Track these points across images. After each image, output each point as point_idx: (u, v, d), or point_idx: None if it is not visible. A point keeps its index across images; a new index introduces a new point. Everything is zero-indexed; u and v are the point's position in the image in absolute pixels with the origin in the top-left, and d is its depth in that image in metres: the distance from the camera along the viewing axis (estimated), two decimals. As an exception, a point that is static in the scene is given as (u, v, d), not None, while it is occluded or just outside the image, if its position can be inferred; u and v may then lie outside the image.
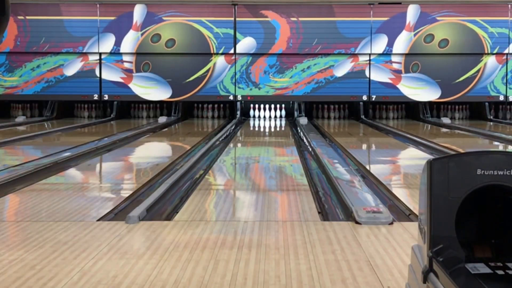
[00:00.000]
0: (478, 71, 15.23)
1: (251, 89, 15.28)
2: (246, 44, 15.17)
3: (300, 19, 15.13)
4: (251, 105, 15.92)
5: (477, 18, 15.14)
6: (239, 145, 10.96)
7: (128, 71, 15.16)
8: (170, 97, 15.11)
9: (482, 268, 2.15)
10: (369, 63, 15.21)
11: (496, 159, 2.24)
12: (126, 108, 15.80)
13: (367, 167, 7.62)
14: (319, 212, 4.98)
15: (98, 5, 15.15)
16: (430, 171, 2.24)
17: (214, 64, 15.18)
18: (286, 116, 15.84)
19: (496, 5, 15.18)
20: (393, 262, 3.55)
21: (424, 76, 15.22)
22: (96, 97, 15.21)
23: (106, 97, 15.22)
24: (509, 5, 15.15)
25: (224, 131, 12.34)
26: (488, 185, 2.24)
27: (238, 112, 15.54)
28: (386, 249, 3.80)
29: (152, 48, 15.11)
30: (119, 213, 4.97)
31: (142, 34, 15.11)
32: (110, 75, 15.19)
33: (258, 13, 15.15)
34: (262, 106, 15.92)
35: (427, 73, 15.22)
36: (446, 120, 14.83)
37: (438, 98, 15.31)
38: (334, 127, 14.22)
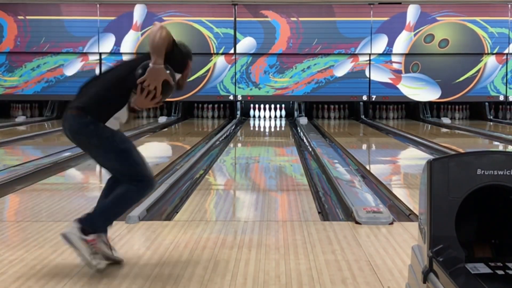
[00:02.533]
0: (478, 71, 15.23)
1: (251, 89, 15.28)
2: (246, 44, 15.17)
3: (300, 19, 15.13)
4: (251, 105, 15.92)
5: (477, 18, 15.14)
6: (239, 145, 10.96)
7: (128, 71, 15.15)
8: (170, 97, 15.09)
9: (482, 268, 2.15)
10: (369, 63, 15.20)
11: (496, 159, 2.24)
12: (126, 108, 15.78)
13: (367, 167, 7.62)
14: (319, 212, 4.98)
15: (98, 5, 15.15)
16: (430, 171, 2.24)
17: (214, 64, 15.18)
18: (286, 116, 15.84)
19: (496, 5, 15.18)
20: (393, 262, 3.55)
21: (424, 76, 15.22)
22: (96, 97, 15.20)
23: (106, 97, 15.21)
24: (509, 5, 15.15)
25: (224, 131, 12.34)
26: (488, 185, 2.24)
27: (238, 112, 15.54)
28: (386, 249, 3.80)
29: (152, 48, 15.08)
30: (119, 213, 4.96)
31: (142, 34, 15.11)
32: (110, 75, 15.18)
33: (258, 13, 15.15)
34: (262, 106, 15.92)
35: (427, 73, 15.22)
36: (446, 120, 14.83)
37: (438, 98, 15.31)
38: (334, 127, 14.21)
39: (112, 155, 3.37)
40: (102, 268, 3.31)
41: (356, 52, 15.15)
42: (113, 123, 3.39)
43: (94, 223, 3.34)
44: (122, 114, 3.42)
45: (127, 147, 3.40)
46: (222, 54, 15.17)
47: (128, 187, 3.36)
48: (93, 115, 3.32)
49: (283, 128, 13.89)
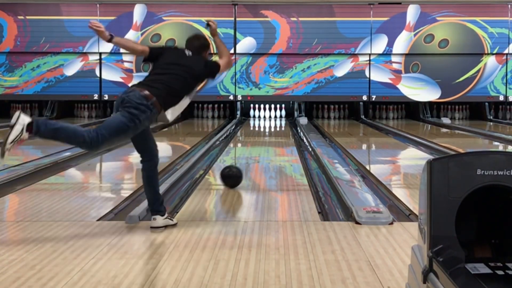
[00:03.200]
0: (478, 71, 15.23)
1: (251, 89, 15.28)
2: (246, 44, 15.17)
3: (300, 19, 15.13)
4: (251, 105, 15.93)
5: (477, 18, 15.14)
6: (239, 145, 10.96)
7: (128, 71, 15.15)
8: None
9: (482, 268, 2.15)
10: (369, 63, 15.20)
11: (496, 159, 2.24)
12: (126, 108, 15.76)
13: (367, 167, 7.62)
14: (319, 212, 4.98)
15: (98, 5, 15.15)
16: (430, 171, 2.24)
17: (214, 64, 15.15)
18: (286, 116, 15.84)
19: (496, 5, 15.18)
20: (393, 262, 3.55)
21: (424, 76, 15.22)
22: (96, 97, 15.21)
23: (106, 97, 15.21)
24: (509, 5, 15.15)
25: (224, 131, 12.34)
26: (488, 185, 2.24)
27: (238, 112, 15.53)
28: (386, 249, 3.80)
29: (152, 48, 15.08)
30: (119, 213, 4.98)
31: (142, 34, 15.11)
32: (110, 75, 15.18)
33: (258, 13, 15.14)
34: (262, 106, 15.93)
35: (427, 73, 15.22)
36: (446, 120, 14.83)
37: (438, 98, 15.31)
38: (334, 127, 14.22)
39: (120, 119, 4.12)
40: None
41: (356, 52, 15.15)
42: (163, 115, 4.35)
43: (40, 128, 3.90)
44: (170, 113, 4.40)
45: (129, 132, 4.19)
46: (222, 54, 15.14)
47: (84, 134, 4.01)
48: (158, 104, 4.23)
49: (283, 128, 13.89)
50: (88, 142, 4.02)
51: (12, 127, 3.82)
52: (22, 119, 3.83)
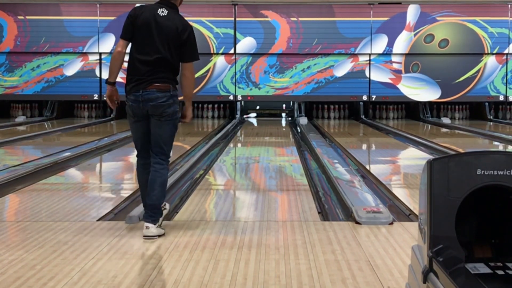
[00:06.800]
0: (478, 71, 15.23)
1: (251, 89, 15.28)
2: (246, 44, 15.17)
3: (300, 19, 15.13)
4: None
5: (477, 18, 15.14)
6: (239, 145, 10.96)
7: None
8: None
9: (482, 268, 2.15)
10: (369, 63, 15.20)
11: (496, 159, 2.24)
12: (126, 108, 15.76)
13: (367, 167, 7.62)
14: (319, 212, 4.98)
15: (98, 5, 15.15)
16: (430, 171, 2.24)
17: (214, 64, 15.17)
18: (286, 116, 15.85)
19: (496, 5, 15.18)
20: (393, 262, 3.55)
21: (424, 76, 15.22)
22: (96, 97, 15.21)
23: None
24: (509, 5, 15.14)
25: (224, 131, 12.34)
26: (488, 185, 2.24)
27: (238, 112, 15.54)
28: (386, 249, 3.80)
29: (152, 48, 15.08)
30: (119, 213, 4.98)
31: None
32: (110, 75, 15.17)
33: (258, 13, 15.14)
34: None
35: (427, 73, 15.22)
36: (446, 120, 14.83)
37: (438, 98, 15.30)
38: (334, 127, 14.21)
39: (171, 129, 4.36)
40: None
41: (356, 52, 15.15)
42: None
43: (157, 216, 4.18)
44: None
45: (177, 128, 4.46)
46: (222, 54, 15.17)
47: (163, 171, 4.25)
48: (174, 88, 4.36)
49: (283, 128, 13.89)
50: (168, 164, 4.35)
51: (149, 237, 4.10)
52: (158, 232, 4.14)
